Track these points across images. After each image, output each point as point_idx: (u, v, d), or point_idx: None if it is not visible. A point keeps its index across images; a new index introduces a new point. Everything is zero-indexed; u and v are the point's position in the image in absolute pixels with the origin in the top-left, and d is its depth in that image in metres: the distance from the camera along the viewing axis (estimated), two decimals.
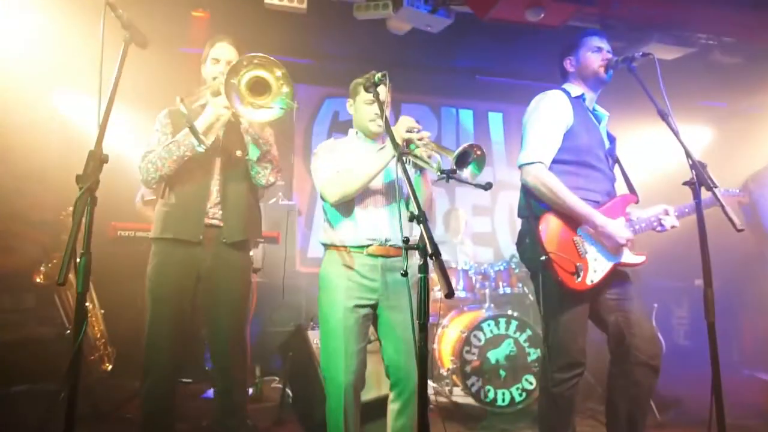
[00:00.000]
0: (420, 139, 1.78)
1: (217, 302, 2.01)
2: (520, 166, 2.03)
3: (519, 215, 2.17)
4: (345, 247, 1.91)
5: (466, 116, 5.45)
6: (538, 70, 4.32)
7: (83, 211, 1.28)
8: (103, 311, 2.91)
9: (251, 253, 2.26)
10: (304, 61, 4.72)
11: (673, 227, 2.09)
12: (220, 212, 2.01)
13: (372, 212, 1.93)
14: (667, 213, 2.10)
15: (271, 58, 1.83)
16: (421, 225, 1.17)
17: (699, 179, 1.74)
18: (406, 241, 1.23)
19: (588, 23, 3.43)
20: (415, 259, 2.00)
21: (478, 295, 3.62)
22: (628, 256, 2.05)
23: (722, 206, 1.68)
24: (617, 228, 1.99)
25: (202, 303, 2.02)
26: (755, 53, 4.03)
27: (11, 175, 3.76)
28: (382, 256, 1.90)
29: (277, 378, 3.56)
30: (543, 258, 1.94)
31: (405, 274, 1.22)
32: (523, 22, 3.25)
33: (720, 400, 1.62)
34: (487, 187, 1.71)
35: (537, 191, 1.98)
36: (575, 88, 2.17)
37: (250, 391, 3.33)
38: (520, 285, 3.70)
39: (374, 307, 1.93)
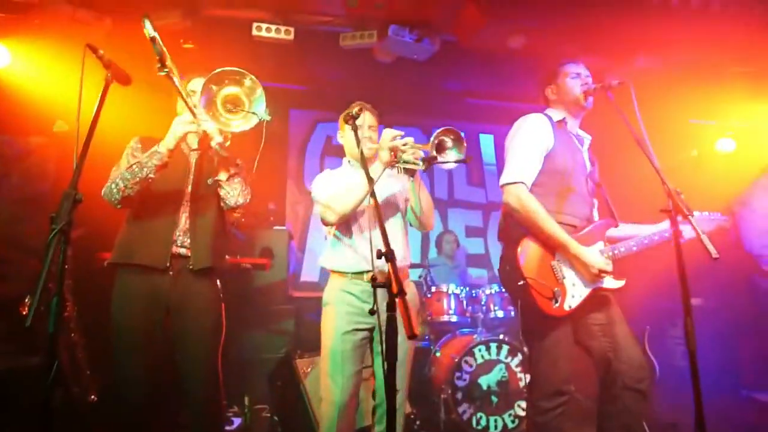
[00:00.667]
0: (404, 145, 1.86)
1: (186, 333, 1.99)
2: (503, 186, 2.04)
3: (499, 239, 2.18)
4: (345, 273, 1.98)
5: None
6: (527, 93, 4.38)
7: (56, 251, 1.29)
8: (87, 341, 2.89)
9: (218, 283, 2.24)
10: (296, 86, 4.79)
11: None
12: (188, 240, 1.99)
13: (368, 240, 1.96)
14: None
15: (240, 70, 1.84)
16: (389, 263, 1.17)
17: (675, 207, 1.75)
18: (373, 279, 1.23)
19: (572, 46, 3.49)
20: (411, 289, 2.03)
21: (470, 319, 3.60)
22: (607, 281, 2.04)
23: (698, 234, 1.68)
24: (592, 258, 1.97)
25: (172, 334, 1.98)
26: (740, 72, 4.09)
27: (9, 201, 3.79)
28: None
29: (267, 407, 3.51)
30: (520, 283, 1.94)
31: (373, 313, 1.22)
32: (507, 49, 3.31)
33: (702, 425, 1.61)
34: (468, 159, 1.82)
35: (516, 213, 1.99)
36: (557, 114, 2.20)
37: (239, 420, 3.28)
38: (512, 308, 3.67)
39: (371, 330, 1.99)
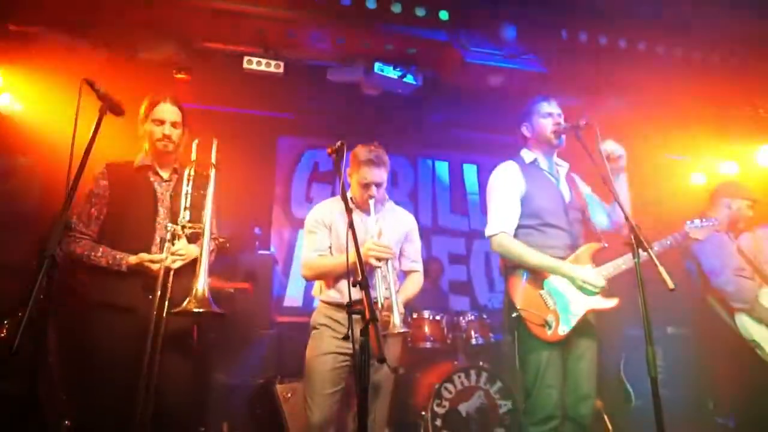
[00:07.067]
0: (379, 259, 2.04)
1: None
2: (488, 237, 2.22)
3: (501, 274, 2.35)
4: (331, 303, 2.13)
5: (442, 168, 5.66)
6: (508, 125, 4.55)
7: (43, 276, 1.34)
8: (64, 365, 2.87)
9: None
10: (286, 115, 4.92)
11: None
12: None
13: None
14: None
15: None
16: (363, 291, 1.26)
17: (636, 242, 1.87)
18: (348, 305, 1.31)
19: (545, 86, 3.68)
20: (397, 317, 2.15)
21: (450, 345, 3.64)
22: (599, 302, 2.14)
23: (656, 265, 1.78)
24: (582, 274, 2.11)
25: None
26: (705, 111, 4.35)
27: None
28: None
29: None
30: (514, 315, 2.11)
31: (346, 338, 1.30)
32: (486, 86, 3.50)
33: None
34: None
35: (505, 257, 2.19)
36: (529, 154, 2.36)
37: None
38: (492, 335, 3.73)
39: (353, 356, 2.04)
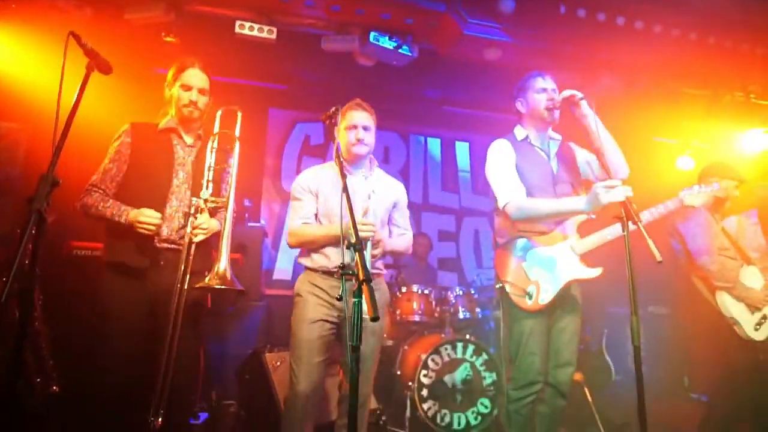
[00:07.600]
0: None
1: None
2: (502, 210, 2.26)
3: (493, 249, 2.44)
4: (318, 270, 2.09)
5: (434, 144, 5.64)
6: (502, 103, 4.52)
7: (31, 233, 1.31)
8: (52, 331, 2.84)
9: None
10: (277, 86, 4.83)
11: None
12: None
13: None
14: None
15: None
16: (356, 253, 1.26)
17: (627, 214, 1.89)
18: (342, 267, 1.32)
19: (543, 61, 3.66)
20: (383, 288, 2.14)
21: (438, 319, 3.70)
22: (583, 271, 2.19)
23: (646, 238, 1.81)
24: (593, 190, 2.00)
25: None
26: (697, 94, 4.37)
27: None
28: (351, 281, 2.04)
29: (234, 402, 3.52)
30: (498, 286, 2.24)
31: (340, 299, 1.30)
32: (483, 60, 3.45)
33: (644, 417, 1.75)
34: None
35: (526, 217, 2.20)
36: (522, 131, 2.39)
37: (205, 415, 3.28)
38: (479, 310, 3.79)
39: (338, 324, 2.08)
